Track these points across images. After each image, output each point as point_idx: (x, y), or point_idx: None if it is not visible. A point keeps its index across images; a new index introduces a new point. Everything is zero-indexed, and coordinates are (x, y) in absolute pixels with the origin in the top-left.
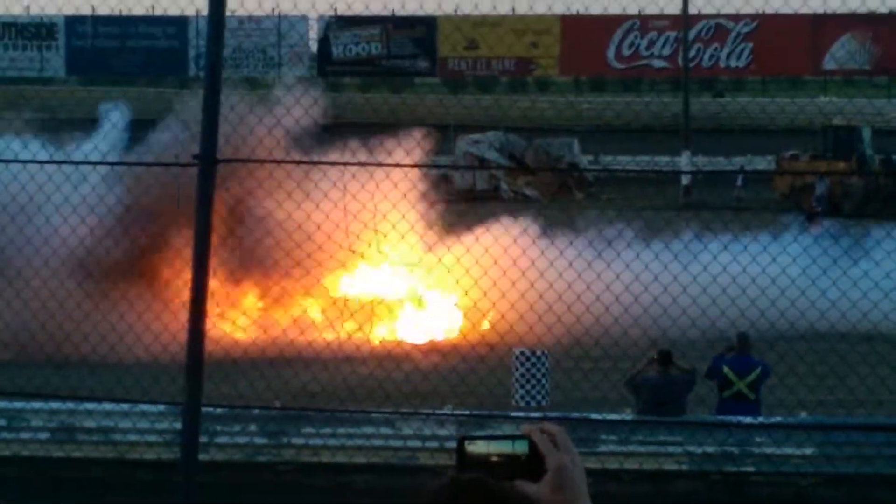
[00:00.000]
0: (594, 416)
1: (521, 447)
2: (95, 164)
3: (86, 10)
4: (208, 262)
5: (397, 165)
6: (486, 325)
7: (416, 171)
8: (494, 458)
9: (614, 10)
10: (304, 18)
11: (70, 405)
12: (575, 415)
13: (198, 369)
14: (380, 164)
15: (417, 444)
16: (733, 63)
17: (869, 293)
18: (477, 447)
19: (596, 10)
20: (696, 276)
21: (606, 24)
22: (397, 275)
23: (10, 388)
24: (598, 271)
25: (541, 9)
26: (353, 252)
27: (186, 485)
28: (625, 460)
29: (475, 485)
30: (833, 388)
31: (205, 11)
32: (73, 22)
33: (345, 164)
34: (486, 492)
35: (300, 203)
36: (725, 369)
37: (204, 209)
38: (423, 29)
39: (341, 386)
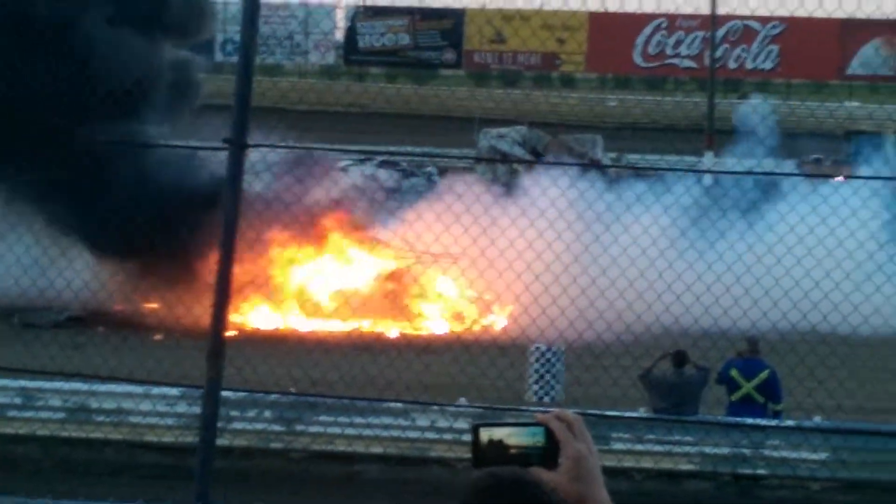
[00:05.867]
0: (609, 412)
1: (537, 436)
2: (131, 145)
3: None
4: (234, 247)
5: (423, 157)
6: (502, 321)
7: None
8: (512, 448)
9: (645, 7)
10: (332, 7)
11: (87, 386)
12: (592, 411)
13: (219, 353)
14: (407, 155)
15: (432, 435)
16: (759, 65)
17: (892, 298)
18: (492, 434)
19: (622, 7)
20: (720, 275)
21: (633, 22)
22: (418, 266)
23: (34, 366)
24: (622, 267)
25: (569, 4)
26: (379, 242)
27: (202, 469)
28: (639, 458)
29: (515, 482)
30: (852, 392)
31: None
32: None
33: (371, 152)
34: (523, 486)
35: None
36: (733, 372)
37: (232, 193)
38: (450, 21)
39: (359, 376)
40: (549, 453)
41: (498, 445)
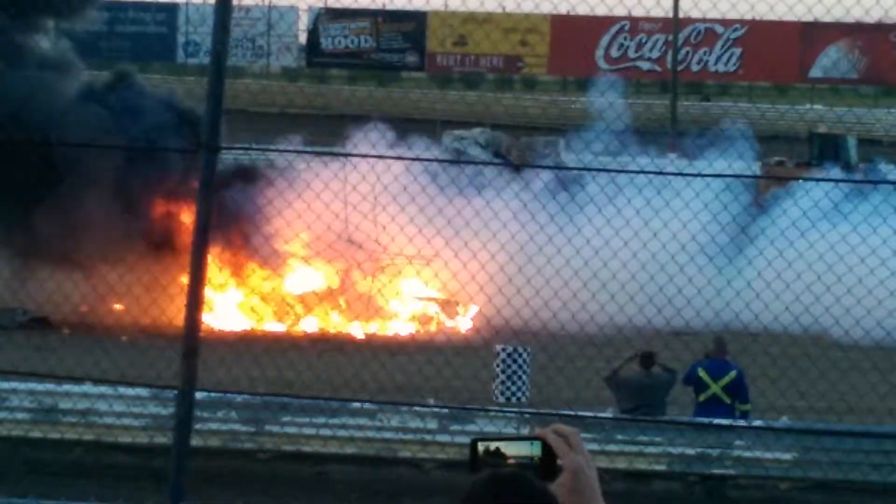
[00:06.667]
0: (581, 413)
1: (534, 449)
2: (94, 146)
3: None
4: (207, 248)
5: (391, 158)
6: (468, 322)
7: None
8: (510, 459)
9: (602, 10)
10: (294, 9)
11: (52, 386)
12: (565, 412)
13: (194, 353)
14: (370, 156)
15: (398, 436)
16: (721, 68)
17: (863, 301)
18: (489, 446)
19: (584, 10)
20: (691, 277)
21: (596, 25)
22: (391, 268)
23: (5, 366)
24: (594, 269)
25: (530, 7)
26: (352, 243)
27: (177, 468)
28: (611, 459)
29: (515, 480)
30: (824, 393)
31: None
32: None
33: (344, 154)
34: (526, 487)
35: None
36: (700, 372)
37: (205, 196)
38: (412, 24)
39: (324, 377)
40: (546, 465)
41: (495, 455)
